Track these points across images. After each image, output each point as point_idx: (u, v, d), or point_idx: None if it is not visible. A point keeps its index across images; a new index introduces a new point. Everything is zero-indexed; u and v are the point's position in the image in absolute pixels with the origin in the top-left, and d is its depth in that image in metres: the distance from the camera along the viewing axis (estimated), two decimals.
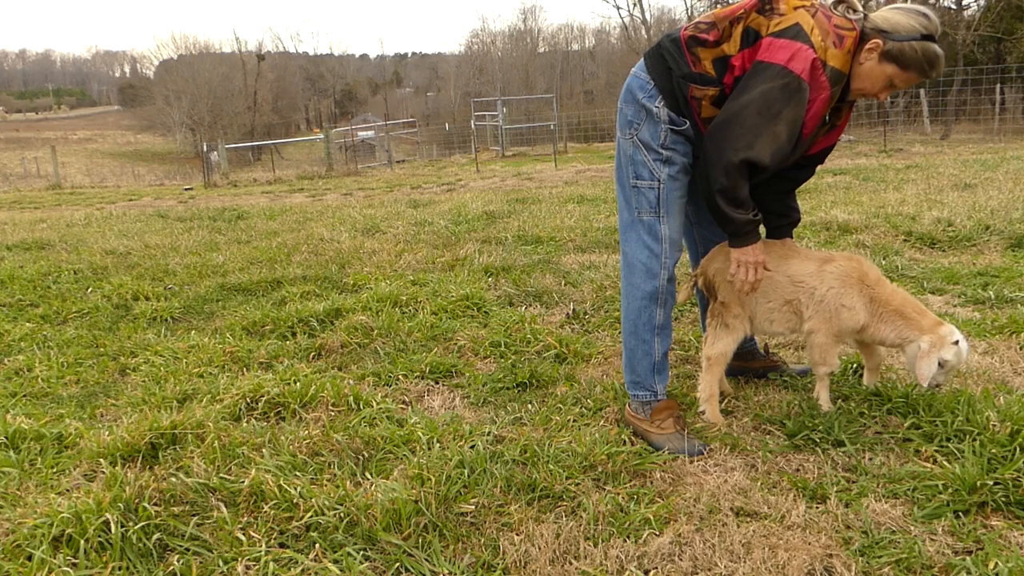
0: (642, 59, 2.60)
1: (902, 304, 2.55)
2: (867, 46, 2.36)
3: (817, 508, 2.17)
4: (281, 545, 2.05)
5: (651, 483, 2.35)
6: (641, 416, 2.67)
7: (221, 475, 2.33)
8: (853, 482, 2.30)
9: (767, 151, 2.36)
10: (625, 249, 2.68)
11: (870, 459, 2.41)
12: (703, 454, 2.51)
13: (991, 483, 2.13)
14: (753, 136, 2.34)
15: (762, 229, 2.81)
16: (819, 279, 2.62)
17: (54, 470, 2.55)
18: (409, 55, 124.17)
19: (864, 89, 2.44)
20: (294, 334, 4.04)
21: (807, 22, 2.33)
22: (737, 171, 2.37)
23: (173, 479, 2.29)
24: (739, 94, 2.37)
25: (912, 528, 2.04)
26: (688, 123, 2.52)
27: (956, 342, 2.44)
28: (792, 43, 2.31)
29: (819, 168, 2.92)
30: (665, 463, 2.45)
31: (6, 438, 2.73)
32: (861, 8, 2.42)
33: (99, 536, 2.02)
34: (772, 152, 2.37)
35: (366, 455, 2.52)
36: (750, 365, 3.15)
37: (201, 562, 1.99)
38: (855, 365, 3.07)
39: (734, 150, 2.35)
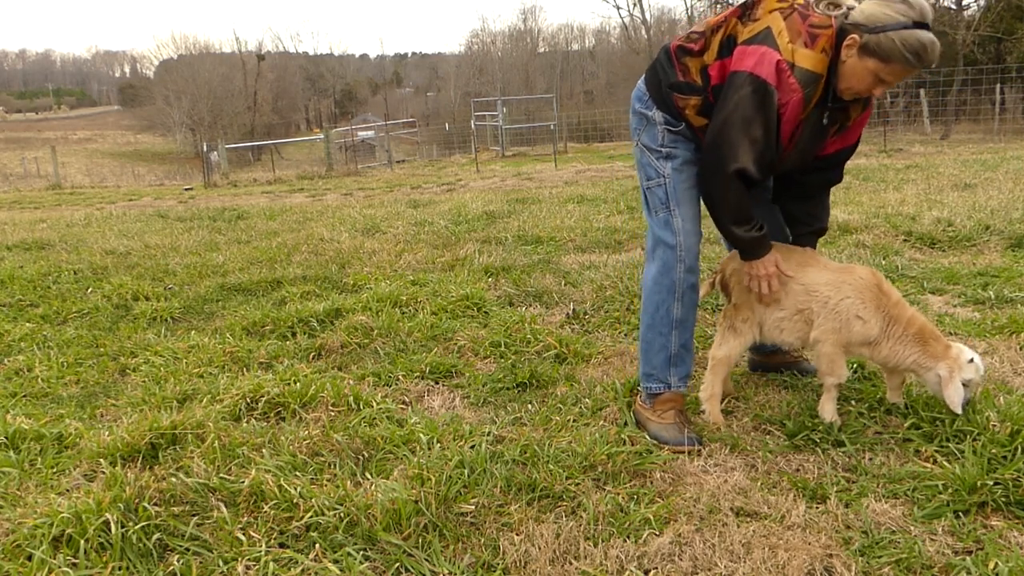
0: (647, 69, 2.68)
1: (921, 330, 2.51)
2: (845, 42, 2.31)
3: (817, 508, 2.17)
4: (281, 545, 2.06)
5: (651, 483, 2.35)
6: (646, 405, 2.72)
7: (221, 475, 2.33)
8: (853, 482, 2.30)
9: (750, 158, 2.37)
10: (649, 248, 2.74)
11: (870, 459, 2.41)
12: (697, 446, 2.53)
13: (991, 483, 2.13)
14: (736, 147, 2.35)
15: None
16: (835, 289, 2.57)
17: (54, 470, 2.55)
18: (409, 55, 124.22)
19: (853, 87, 2.37)
20: (294, 334, 4.04)
21: (777, 25, 2.32)
22: (733, 184, 2.40)
23: (173, 479, 2.29)
24: (719, 109, 2.40)
25: (912, 528, 2.04)
26: (683, 124, 2.57)
27: (971, 360, 2.43)
28: (758, 48, 2.32)
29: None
30: (665, 463, 2.45)
31: (6, 438, 2.73)
32: (844, 5, 2.35)
33: (99, 536, 2.02)
34: (754, 159, 2.37)
35: (366, 455, 2.52)
36: (770, 360, 3.16)
37: (201, 562, 1.99)
38: (855, 365, 3.07)
39: (725, 165, 2.38)
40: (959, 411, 2.40)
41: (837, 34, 2.32)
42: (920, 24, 2.23)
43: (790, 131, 2.41)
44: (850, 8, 2.34)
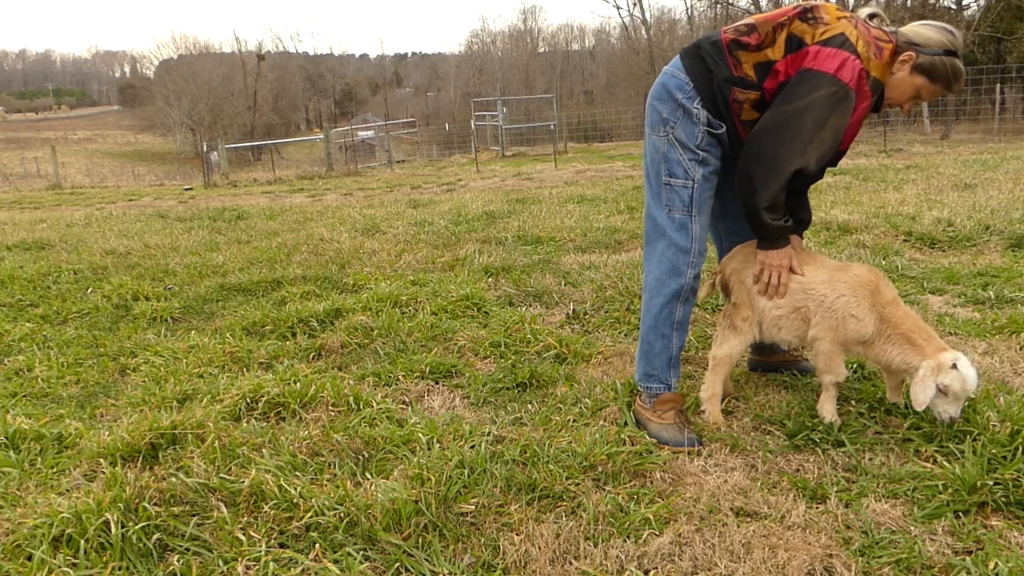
0: (678, 59, 2.62)
1: (911, 329, 2.48)
2: (900, 58, 2.45)
3: (817, 508, 2.17)
4: (281, 545, 2.06)
5: (651, 483, 2.35)
6: (646, 406, 2.72)
7: (221, 475, 2.33)
8: (853, 482, 2.30)
9: (814, 157, 2.43)
10: (649, 244, 2.71)
11: (870, 459, 2.41)
12: (697, 446, 2.54)
13: (991, 483, 2.13)
14: (805, 144, 2.39)
15: None
16: (830, 287, 2.58)
17: (54, 470, 2.55)
18: (409, 55, 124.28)
19: (893, 99, 2.53)
20: (294, 334, 4.04)
21: (852, 32, 2.39)
22: (787, 177, 2.43)
23: (173, 479, 2.28)
24: (786, 102, 2.40)
25: (912, 528, 2.04)
26: (724, 127, 2.56)
27: (954, 366, 2.34)
28: (840, 52, 2.37)
29: None
30: (665, 463, 2.45)
31: (6, 438, 2.73)
32: (889, 23, 2.53)
33: (99, 536, 2.02)
34: (818, 158, 2.45)
35: (366, 455, 2.52)
36: (769, 359, 3.16)
37: (201, 562, 1.99)
38: (855, 365, 3.07)
39: (788, 158, 2.40)
40: (919, 408, 2.37)
41: (895, 50, 2.47)
42: (957, 54, 2.45)
43: (852, 134, 2.51)
44: (896, 29, 2.51)
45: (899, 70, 2.47)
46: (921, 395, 2.36)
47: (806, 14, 2.45)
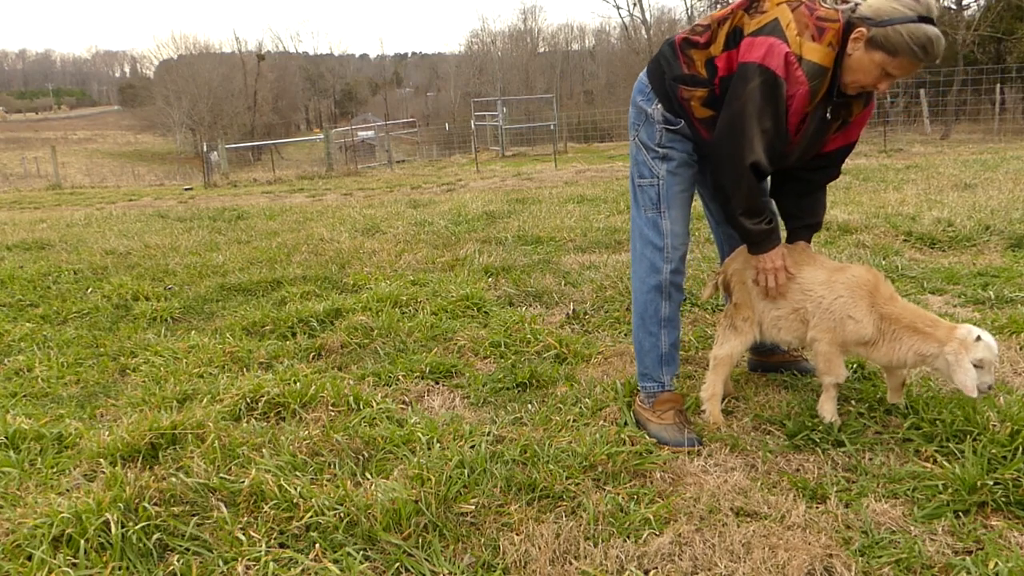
0: (647, 64, 2.69)
1: (913, 320, 2.46)
2: (852, 36, 2.31)
3: (817, 508, 2.17)
4: (281, 545, 2.06)
5: (651, 483, 2.35)
6: (645, 406, 2.72)
7: (221, 475, 2.33)
8: (853, 482, 2.30)
9: (760, 150, 2.39)
10: (632, 245, 2.76)
11: (870, 459, 2.41)
12: (697, 446, 2.54)
13: (991, 483, 2.13)
14: (751, 140, 2.37)
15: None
16: (828, 288, 2.57)
17: (54, 470, 2.55)
18: (409, 55, 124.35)
19: (859, 81, 2.37)
20: (294, 334, 4.04)
21: (785, 17, 2.34)
22: (747, 176, 2.41)
23: (173, 479, 2.28)
24: (730, 103, 2.40)
25: (912, 528, 2.04)
26: (683, 122, 2.57)
27: (978, 338, 2.34)
28: (767, 39, 2.33)
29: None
30: (665, 463, 2.45)
31: (6, 438, 2.73)
32: (852, 0, 2.37)
33: (99, 536, 2.02)
34: (764, 149, 2.39)
35: (366, 455, 2.52)
36: (769, 360, 3.16)
37: (201, 562, 1.99)
38: (855, 365, 3.07)
39: (740, 158, 2.39)
40: (974, 394, 2.31)
41: (844, 28, 2.33)
42: (926, 19, 2.25)
43: (796, 124, 2.43)
44: (857, 3, 2.34)
45: (854, 49, 2.31)
46: (968, 380, 2.31)
47: (751, 5, 2.41)
